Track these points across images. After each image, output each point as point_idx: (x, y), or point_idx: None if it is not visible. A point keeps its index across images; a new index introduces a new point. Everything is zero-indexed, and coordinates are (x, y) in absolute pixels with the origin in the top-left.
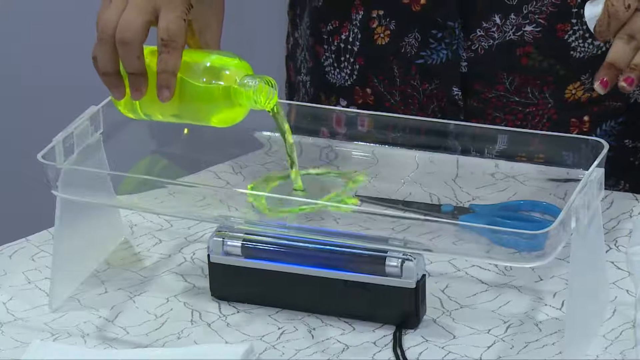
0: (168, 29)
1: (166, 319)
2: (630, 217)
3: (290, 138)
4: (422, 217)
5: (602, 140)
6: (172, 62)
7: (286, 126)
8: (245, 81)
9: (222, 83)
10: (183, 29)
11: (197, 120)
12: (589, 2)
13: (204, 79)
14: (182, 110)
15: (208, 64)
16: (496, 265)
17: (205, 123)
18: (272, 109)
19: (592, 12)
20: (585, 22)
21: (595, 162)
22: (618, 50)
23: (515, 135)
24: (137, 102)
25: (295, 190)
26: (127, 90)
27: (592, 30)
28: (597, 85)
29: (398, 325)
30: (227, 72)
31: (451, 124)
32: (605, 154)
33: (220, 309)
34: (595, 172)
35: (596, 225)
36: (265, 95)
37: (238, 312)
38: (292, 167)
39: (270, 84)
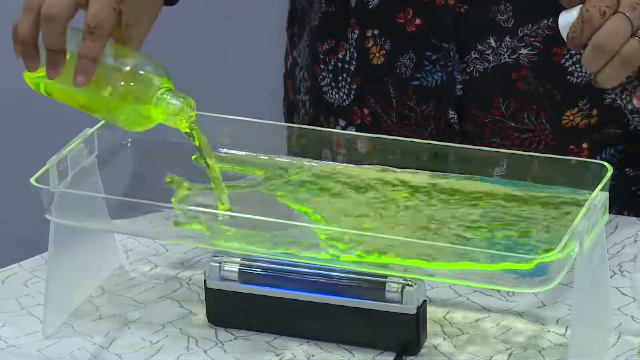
0: (96, 16)
1: (162, 346)
2: (635, 242)
3: (212, 159)
4: (422, 240)
5: (606, 164)
6: (94, 49)
7: (206, 145)
8: (166, 97)
9: (140, 91)
10: (111, 18)
11: (104, 118)
12: (564, 11)
13: (122, 83)
14: (90, 102)
15: (129, 68)
16: (498, 291)
17: (111, 122)
18: (189, 131)
19: (566, 20)
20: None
21: (600, 186)
22: (589, 57)
23: (515, 158)
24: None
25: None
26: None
27: (564, 38)
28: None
29: (398, 352)
30: (149, 82)
31: (450, 147)
32: (610, 177)
33: (217, 335)
34: (600, 196)
35: (600, 250)
36: (184, 117)
37: (235, 338)
38: (216, 188)
39: (190, 105)
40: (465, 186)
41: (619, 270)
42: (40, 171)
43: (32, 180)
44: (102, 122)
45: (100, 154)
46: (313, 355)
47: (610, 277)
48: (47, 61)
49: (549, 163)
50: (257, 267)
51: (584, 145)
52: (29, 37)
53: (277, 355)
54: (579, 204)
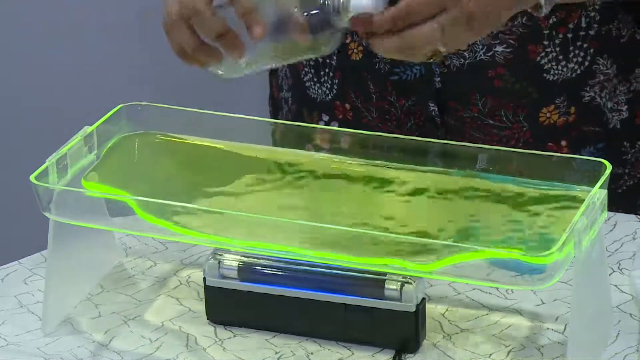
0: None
1: (161, 344)
2: (634, 239)
3: None
4: (420, 239)
5: (605, 162)
6: (249, 5)
7: None
8: None
9: None
10: None
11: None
12: None
13: None
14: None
15: None
16: (497, 289)
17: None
18: None
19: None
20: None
21: (599, 183)
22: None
23: (512, 155)
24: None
25: None
26: None
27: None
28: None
29: (397, 350)
30: None
31: (436, 143)
32: (609, 174)
33: (216, 333)
34: (598, 194)
35: (599, 247)
36: None
37: (234, 336)
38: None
39: None
40: (462, 183)
41: (618, 267)
42: (40, 169)
43: (32, 177)
44: (102, 119)
45: (99, 152)
46: (312, 353)
47: (609, 275)
48: (225, 47)
49: (545, 160)
50: (257, 264)
51: (563, 143)
52: (193, 42)
53: (276, 353)
54: (577, 202)
